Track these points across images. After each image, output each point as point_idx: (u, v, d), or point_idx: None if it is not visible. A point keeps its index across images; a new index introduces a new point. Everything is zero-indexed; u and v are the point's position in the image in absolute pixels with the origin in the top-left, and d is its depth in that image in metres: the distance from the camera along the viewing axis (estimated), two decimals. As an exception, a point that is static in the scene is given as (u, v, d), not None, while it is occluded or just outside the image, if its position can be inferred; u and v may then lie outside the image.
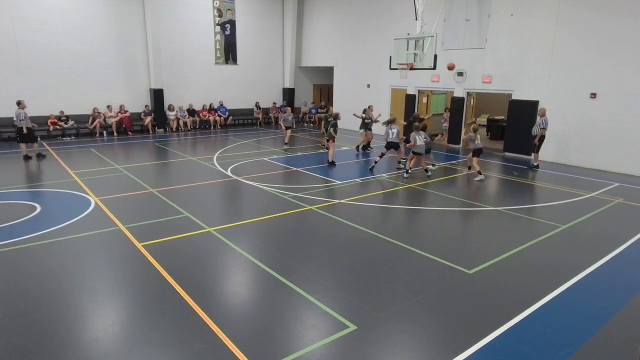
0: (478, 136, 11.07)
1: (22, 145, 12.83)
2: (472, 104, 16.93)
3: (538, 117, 12.54)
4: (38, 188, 9.75)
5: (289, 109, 16.49)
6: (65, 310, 4.73)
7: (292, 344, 4.22)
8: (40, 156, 12.91)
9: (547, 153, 13.57)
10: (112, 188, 9.64)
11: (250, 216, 7.93)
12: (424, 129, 11.29)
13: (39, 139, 14.41)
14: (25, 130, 12.63)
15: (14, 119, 12.78)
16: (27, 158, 12.68)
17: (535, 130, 12.41)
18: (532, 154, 12.78)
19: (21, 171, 11.54)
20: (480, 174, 10.95)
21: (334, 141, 12.46)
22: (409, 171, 11.18)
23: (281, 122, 15.91)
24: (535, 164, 12.56)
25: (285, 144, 15.46)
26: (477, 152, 11.08)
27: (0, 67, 15.34)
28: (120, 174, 11.05)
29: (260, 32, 21.85)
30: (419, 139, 10.85)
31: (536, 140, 12.38)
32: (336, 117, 12.73)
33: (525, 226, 7.89)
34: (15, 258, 6.06)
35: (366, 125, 14.80)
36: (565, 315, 4.81)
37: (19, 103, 12.60)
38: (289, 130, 15.57)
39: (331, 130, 12.16)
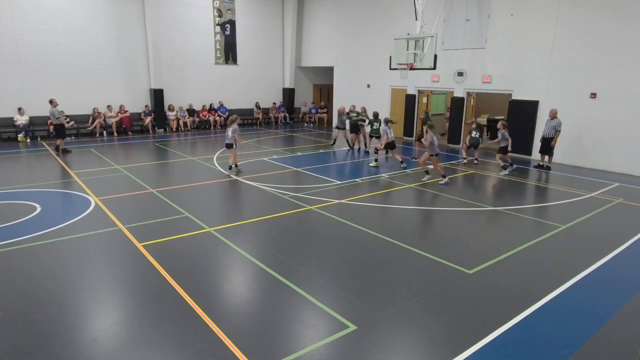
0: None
1: (60, 141, 13.67)
2: (472, 104, 16.93)
3: (548, 120, 12.21)
4: (38, 188, 9.74)
5: (235, 116, 11.56)
6: (65, 310, 4.73)
7: (292, 344, 4.22)
8: (66, 152, 13.67)
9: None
10: (112, 188, 9.64)
11: (250, 216, 7.93)
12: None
13: (20, 136, 15.38)
14: (55, 127, 13.69)
15: (51, 117, 13.76)
16: (65, 152, 13.60)
17: (551, 132, 12.05)
18: (547, 157, 12.46)
19: (21, 171, 11.55)
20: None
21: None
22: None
23: (232, 135, 11.08)
24: (540, 164, 12.61)
25: (235, 166, 11.37)
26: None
27: (0, 67, 15.35)
28: (120, 174, 11.05)
29: (260, 32, 21.85)
30: (434, 138, 10.50)
31: (552, 143, 12.12)
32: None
33: (525, 226, 7.89)
34: (15, 258, 6.06)
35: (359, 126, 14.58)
36: (565, 315, 4.81)
37: (51, 102, 13.51)
38: (231, 150, 11.24)
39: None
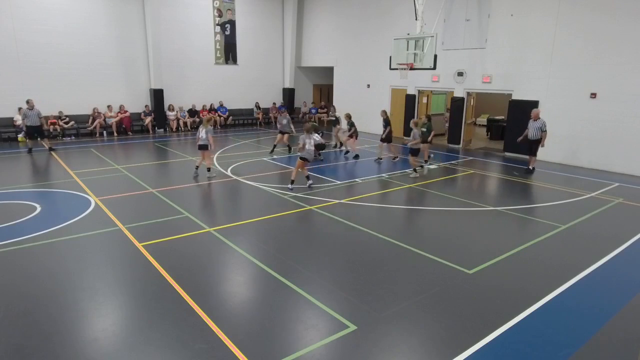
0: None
1: (46, 141, 14.09)
2: (472, 104, 16.93)
3: (531, 121, 11.83)
4: (38, 188, 9.74)
5: (209, 117, 11.92)
6: (65, 310, 4.73)
7: (292, 344, 4.22)
8: (31, 151, 13.67)
9: (547, 153, 13.56)
10: (112, 188, 9.64)
11: (250, 216, 7.92)
12: (316, 130, 10.37)
13: (20, 137, 15.19)
14: (24, 128, 13.84)
15: (24, 118, 13.80)
16: (29, 151, 13.58)
17: (537, 134, 11.68)
18: (531, 157, 12.10)
19: (21, 171, 11.55)
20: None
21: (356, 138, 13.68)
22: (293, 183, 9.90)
23: (205, 136, 10.62)
24: (529, 167, 12.19)
25: (208, 170, 10.85)
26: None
27: (0, 67, 15.35)
28: (120, 174, 11.05)
29: (260, 32, 21.86)
30: (308, 143, 9.81)
31: (541, 144, 11.74)
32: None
33: (525, 226, 7.89)
34: (16, 258, 6.06)
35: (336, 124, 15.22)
36: (565, 315, 4.81)
37: (27, 102, 13.57)
38: (207, 152, 10.82)
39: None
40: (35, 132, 13.65)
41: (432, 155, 13.15)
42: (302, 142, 9.89)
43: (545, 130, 11.69)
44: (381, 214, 8.50)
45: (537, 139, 11.75)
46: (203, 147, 10.71)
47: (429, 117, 12.95)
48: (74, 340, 4.24)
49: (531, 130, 11.83)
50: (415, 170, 11.36)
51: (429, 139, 12.42)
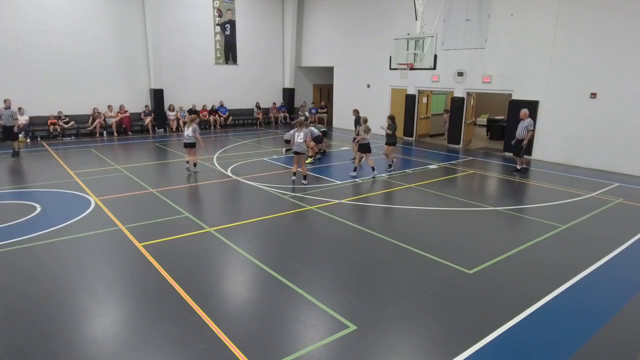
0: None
1: (16, 143, 13.34)
2: (472, 104, 16.93)
3: (521, 121, 11.73)
4: (38, 188, 9.74)
5: (194, 116, 11.74)
6: (65, 310, 4.73)
7: (292, 344, 4.22)
8: (15, 154, 13.13)
9: (547, 153, 13.58)
10: (112, 188, 9.64)
11: (250, 216, 7.93)
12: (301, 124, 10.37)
13: (20, 136, 14.69)
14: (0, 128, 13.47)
15: (4, 119, 13.19)
16: (15, 154, 13.08)
17: (522, 133, 11.65)
18: (517, 158, 12.09)
19: (21, 171, 11.55)
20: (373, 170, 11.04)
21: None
22: (295, 181, 10.13)
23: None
24: (524, 167, 12.11)
25: (194, 165, 11.25)
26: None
27: (0, 67, 15.35)
28: (120, 174, 11.05)
29: (260, 32, 21.86)
30: (297, 136, 9.95)
31: (524, 142, 11.71)
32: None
33: (525, 226, 7.89)
34: (15, 258, 6.06)
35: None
36: (565, 315, 4.81)
37: (5, 101, 13.24)
38: (193, 149, 11.17)
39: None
40: (7, 133, 13.24)
41: (394, 160, 12.27)
42: (291, 137, 10.21)
43: (532, 130, 11.68)
44: (381, 213, 8.51)
45: (524, 138, 11.77)
46: (189, 145, 11.11)
47: (392, 118, 12.09)
48: (74, 340, 4.24)
49: (519, 130, 11.81)
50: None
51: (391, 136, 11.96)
